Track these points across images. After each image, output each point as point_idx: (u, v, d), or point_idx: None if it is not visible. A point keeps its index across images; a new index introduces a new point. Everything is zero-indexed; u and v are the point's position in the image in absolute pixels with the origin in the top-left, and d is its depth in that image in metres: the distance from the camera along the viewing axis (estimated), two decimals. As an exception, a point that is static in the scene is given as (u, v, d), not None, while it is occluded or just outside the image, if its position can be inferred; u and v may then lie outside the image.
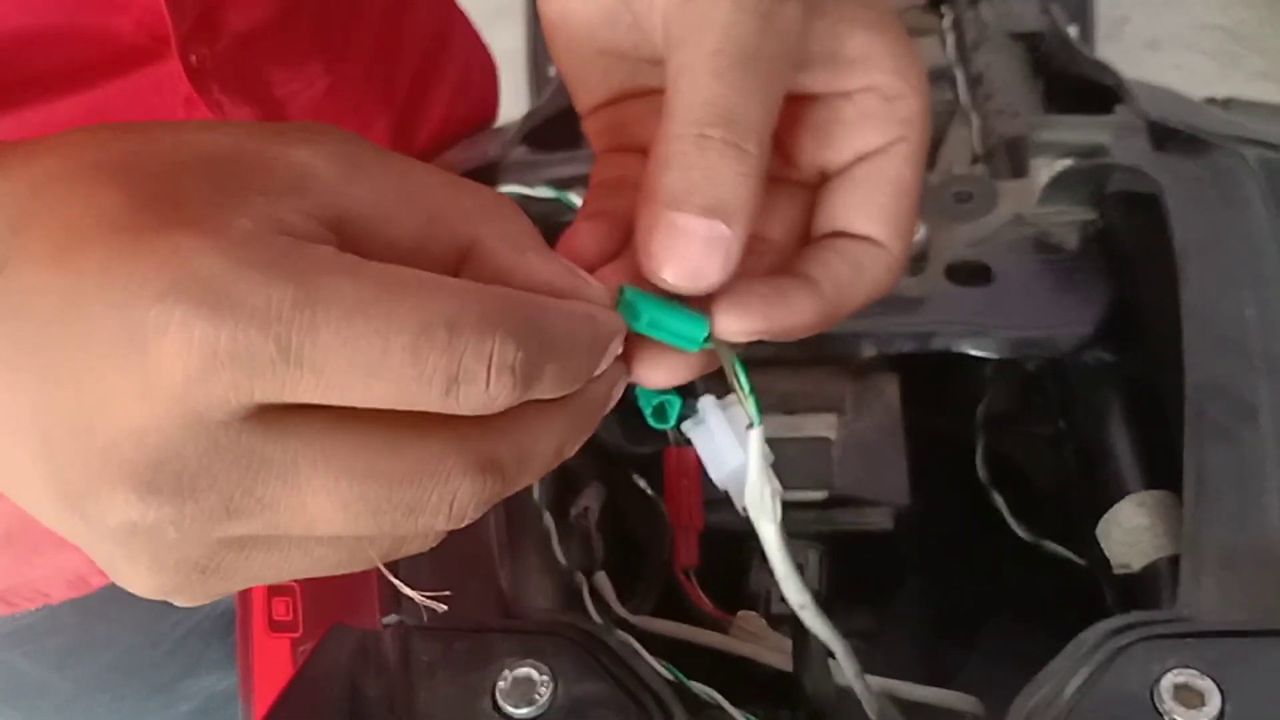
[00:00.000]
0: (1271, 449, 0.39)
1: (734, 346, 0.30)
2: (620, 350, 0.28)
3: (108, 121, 0.25)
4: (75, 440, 0.22)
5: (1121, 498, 0.45)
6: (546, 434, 0.26)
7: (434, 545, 0.26)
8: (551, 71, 0.72)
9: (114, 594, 0.25)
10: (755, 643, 0.43)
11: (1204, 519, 0.37)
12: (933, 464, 0.50)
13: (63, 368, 0.22)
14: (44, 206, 0.23)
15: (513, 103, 0.71)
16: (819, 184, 0.33)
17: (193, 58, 0.45)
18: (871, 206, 0.32)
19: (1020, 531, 0.50)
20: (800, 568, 0.45)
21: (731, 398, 0.32)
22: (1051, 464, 0.53)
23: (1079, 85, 0.63)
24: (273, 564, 0.24)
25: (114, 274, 0.21)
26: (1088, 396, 0.50)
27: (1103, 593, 0.45)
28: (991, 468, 0.51)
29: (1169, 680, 0.33)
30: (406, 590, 0.30)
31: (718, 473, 0.33)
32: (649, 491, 0.48)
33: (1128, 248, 0.50)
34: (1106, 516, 0.44)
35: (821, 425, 0.49)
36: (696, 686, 0.40)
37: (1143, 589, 0.42)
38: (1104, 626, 0.35)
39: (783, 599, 0.44)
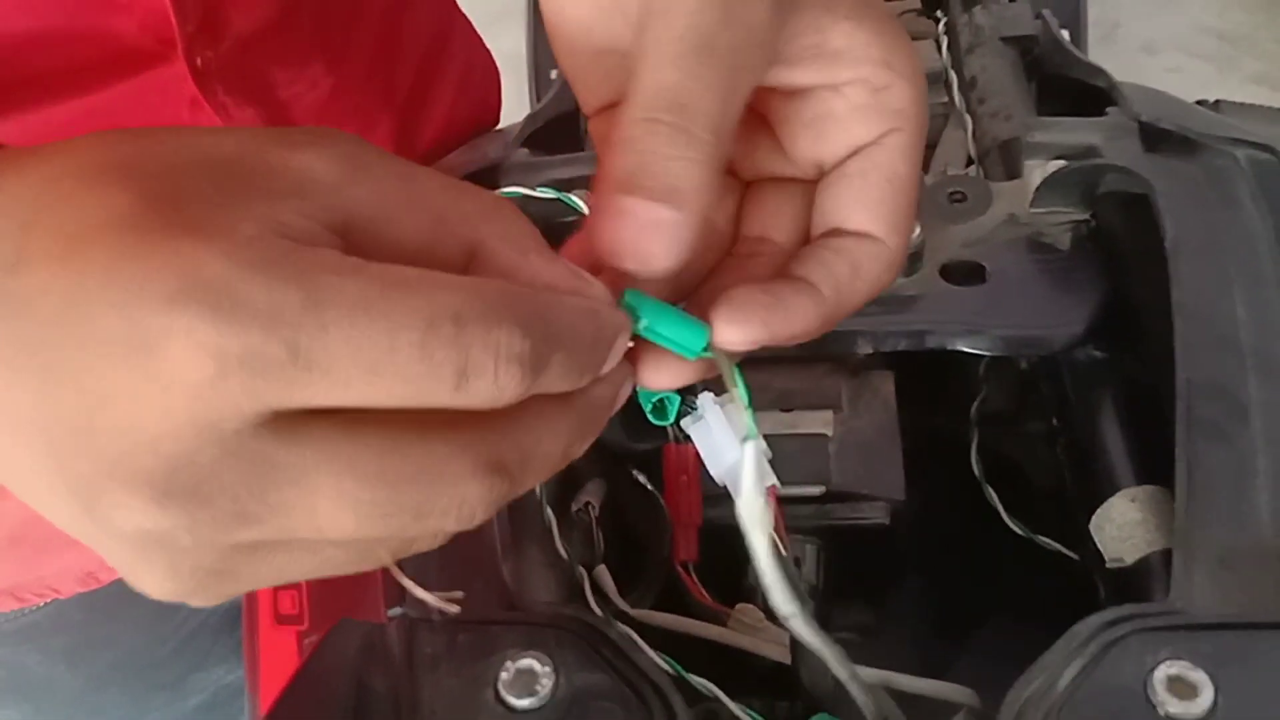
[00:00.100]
0: (1261, 445, 0.40)
1: (733, 356, 0.30)
2: (627, 348, 0.28)
3: (116, 127, 0.25)
4: (85, 446, 0.22)
5: (1114, 493, 0.45)
6: (553, 435, 0.26)
7: (442, 544, 0.26)
8: (554, 74, 0.72)
9: (121, 591, 0.25)
10: (753, 635, 0.44)
11: (1195, 513, 0.38)
12: (928, 461, 0.50)
13: (68, 370, 0.22)
14: (52, 206, 0.23)
15: (514, 105, 0.72)
16: (818, 180, 0.33)
17: (198, 60, 0.45)
18: (866, 201, 0.32)
19: (1015, 527, 0.50)
20: (798, 562, 0.46)
21: (730, 394, 0.33)
22: (1045, 460, 0.54)
23: (1072, 88, 0.63)
24: (284, 566, 0.25)
25: (119, 276, 0.21)
26: (1081, 394, 0.51)
27: (1096, 587, 0.46)
28: (986, 464, 0.52)
29: (1162, 672, 0.33)
30: (420, 592, 0.31)
31: (716, 468, 0.33)
32: (649, 487, 0.48)
33: (1120, 247, 0.51)
34: (1099, 511, 0.45)
35: (818, 422, 0.49)
36: (695, 679, 0.40)
37: (1135, 583, 0.43)
38: (1097, 619, 0.35)
39: (781, 594, 0.45)
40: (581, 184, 0.54)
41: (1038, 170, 0.53)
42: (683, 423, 0.33)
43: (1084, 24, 1.08)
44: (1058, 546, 0.49)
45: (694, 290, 0.32)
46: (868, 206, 0.32)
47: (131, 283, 0.21)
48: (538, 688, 0.35)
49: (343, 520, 0.23)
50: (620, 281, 0.29)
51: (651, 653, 0.39)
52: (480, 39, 0.71)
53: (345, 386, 0.22)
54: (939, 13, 0.73)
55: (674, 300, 0.31)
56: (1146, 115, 0.52)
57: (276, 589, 0.43)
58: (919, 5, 0.79)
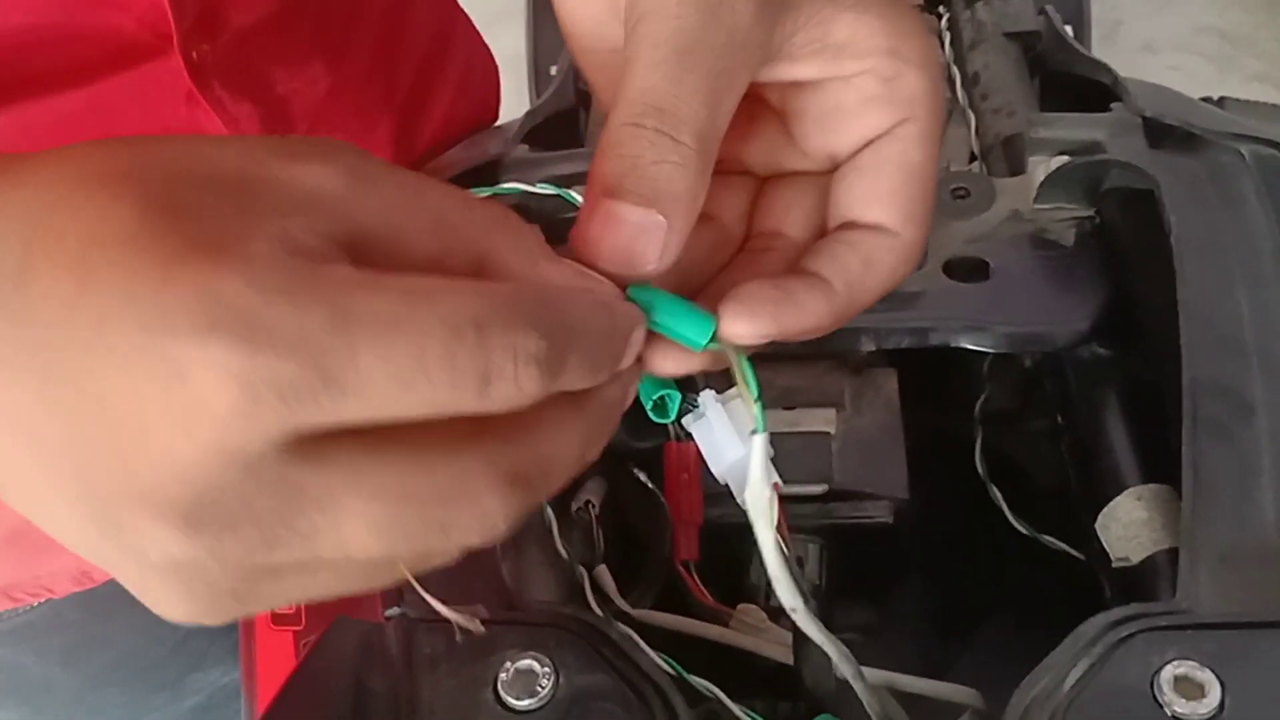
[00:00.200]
0: (1267, 444, 0.39)
1: (742, 350, 0.30)
2: (642, 342, 0.28)
3: (112, 120, 0.25)
4: (111, 472, 0.22)
5: (1119, 492, 0.45)
6: (569, 440, 0.26)
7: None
8: (553, 71, 0.72)
9: (117, 591, 0.25)
10: (755, 635, 0.44)
11: (1201, 512, 0.38)
12: (932, 460, 0.50)
13: (91, 395, 0.22)
14: (55, 217, 0.22)
15: (514, 105, 0.72)
16: (832, 174, 0.33)
17: (194, 54, 0.45)
18: (879, 192, 0.31)
19: (1019, 526, 0.50)
20: (800, 561, 0.45)
21: (732, 392, 0.32)
22: (1049, 459, 0.53)
23: (1075, 84, 0.63)
24: (306, 586, 0.25)
25: (139, 301, 0.21)
26: (1085, 391, 0.51)
27: (1101, 587, 0.46)
28: (990, 463, 0.51)
29: (1169, 672, 0.33)
30: (442, 608, 0.31)
31: (718, 466, 0.33)
32: (650, 485, 0.48)
33: (1124, 244, 0.50)
34: (1105, 511, 0.45)
35: (821, 420, 0.49)
36: (695, 680, 0.40)
37: (1141, 582, 0.42)
38: (1103, 619, 0.35)
39: (783, 593, 0.45)
40: (581, 180, 0.54)
41: (1041, 166, 0.53)
42: (684, 420, 0.33)
43: (1087, 20, 1.08)
44: (1062, 546, 0.49)
45: (704, 286, 0.32)
46: (881, 199, 0.31)
47: (154, 309, 0.21)
48: (537, 688, 0.35)
49: (369, 541, 0.23)
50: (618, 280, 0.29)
51: (652, 653, 0.39)
52: (480, 38, 0.71)
53: (374, 403, 0.22)
54: (941, 8, 0.73)
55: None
56: (1151, 111, 0.52)
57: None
58: (921, 1, 0.79)
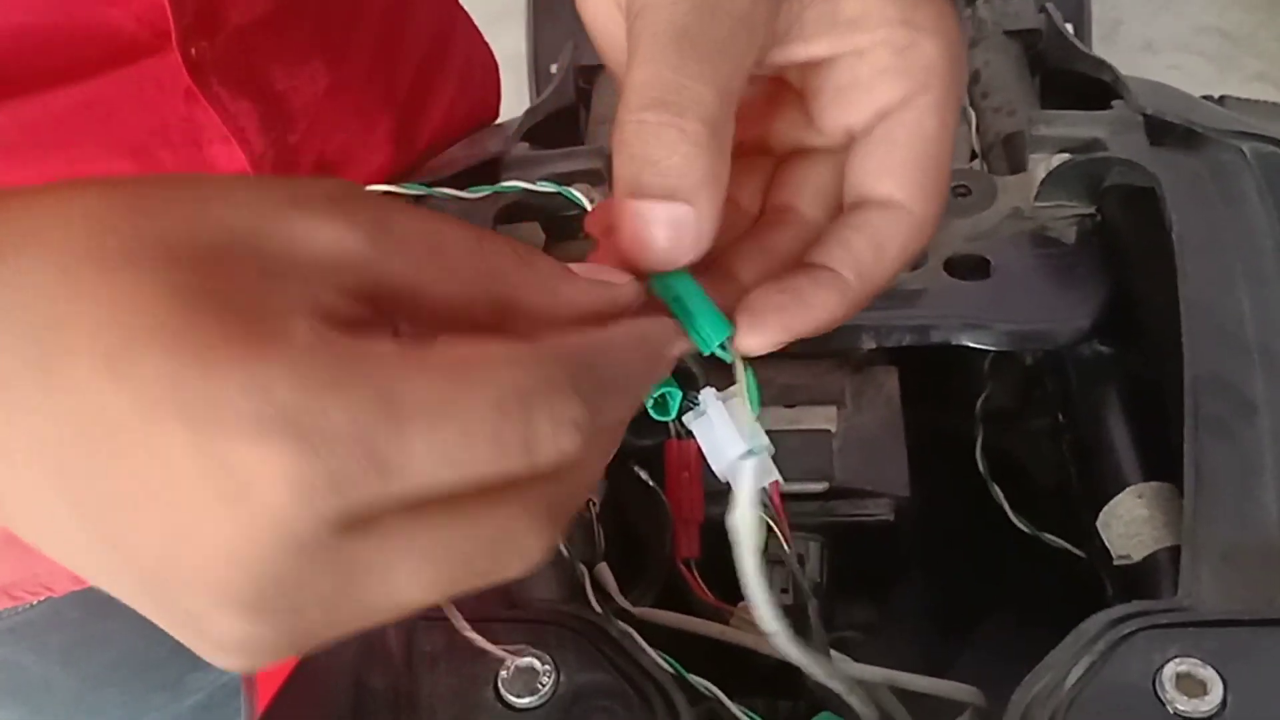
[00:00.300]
0: (1269, 441, 0.39)
1: (749, 363, 0.30)
2: (679, 352, 0.29)
3: (110, 117, 0.24)
4: (164, 562, 0.22)
5: (1121, 490, 0.45)
6: (595, 464, 0.27)
7: None
8: (553, 69, 0.72)
9: (116, 590, 0.25)
10: (756, 633, 0.43)
11: (1203, 510, 0.38)
12: (933, 458, 0.50)
13: (137, 494, 0.21)
14: (78, 303, 0.22)
15: (515, 104, 0.71)
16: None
17: (193, 51, 0.45)
18: (891, 167, 0.31)
19: (1020, 524, 0.50)
20: (801, 559, 0.45)
21: (733, 389, 0.32)
22: (1050, 457, 0.53)
23: (1076, 82, 0.63)
24: (356, 629, 0.25)
25: (187, 403, 0.21)
26: (1086, 389, 0.51)
27: (1103, 586, 0.46)
28: (991, 461, 0.51)
29: (1171, 669, 0.33)
30: (481, 641, 0.33)
31: (718, 464, 0.33)
32: (650, 483, 0.48)
33: (1125, 241, 0.50)
34: (1106, 509, 0.45)
35: (821, 418, 0.49)
36: (695, 679, 0.40)
37: (1143, 580, 0.42)
38: (1105, 616, 0.35)
39: (784, 590, 0.45)
40: (581, 178, 0.54)
41: (1042, 164, 0.53)
42: (685, 418, 0.33)
43: (1088, 18, 1.08)
44: (1063, 544, 0.49)
45: (712, 263, 0.32)
46: (893, 172, 0.31)
47: (201, 410, 0.21)
48: (538, 686, 0.35)
49: (420, 596, 0.24)
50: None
51: (652, 652, 0.39)
52: (480, 36, 0.71)
53: (424, 483, 0.22)
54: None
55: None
56: (1152, 109, 0.52)
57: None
58: None
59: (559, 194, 0.50)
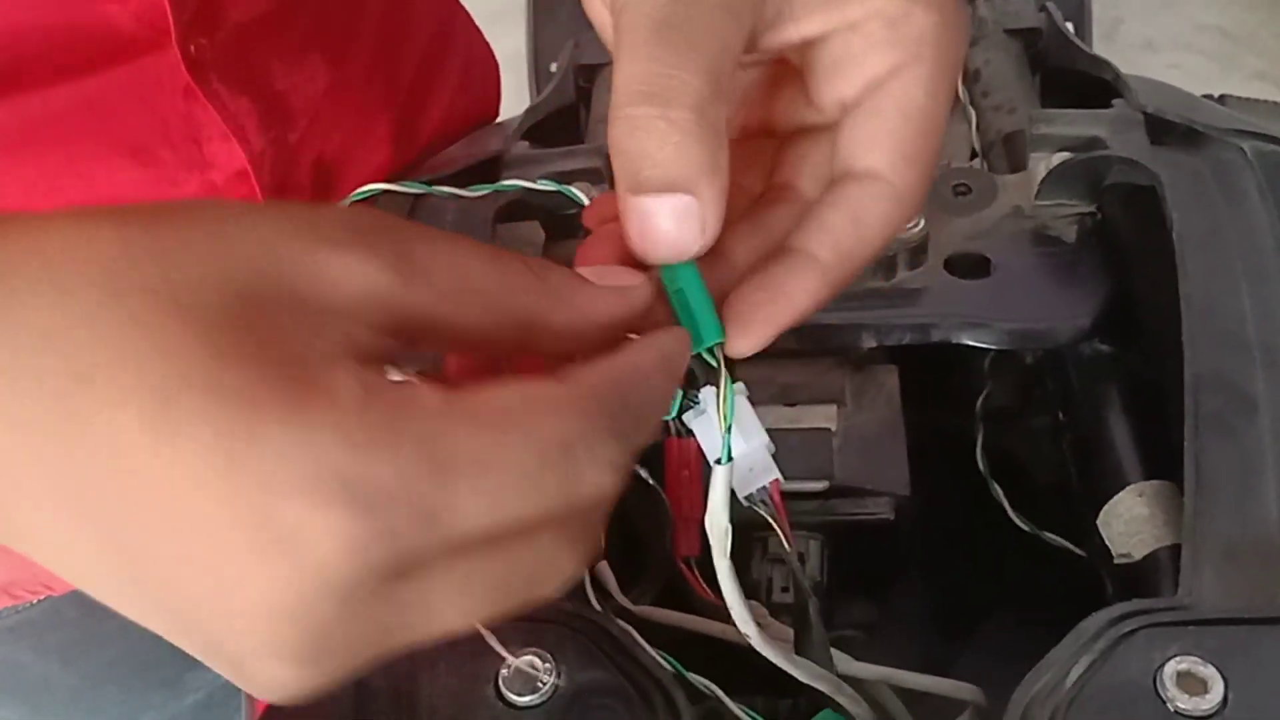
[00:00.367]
0: (1269, 439, 0.39)
1: (734, 368, 0.31)
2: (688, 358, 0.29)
3: (109, 114, 0.24)
4: (212, 615, 0.22)
5: (1121, 489, 0.45)
6: (618, 483, 0.27)
7: None
8: (553, 68, 0.72)
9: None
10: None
11: (1204, 508, 0.38)
12: (933, 457, 0.50)
13: (184, 548, 0.21)
14: (105, 350, 0.21)
15: (515, 104, 0.71)
16: None
17: (192, 48, 0.45)
18: (874, 136, 0.31)
19: (1020, 523, 0.50)
20: (801, 558, 0.45)
21: (735, 388, 0.32)
22: (1050, 456, 0.53)
23: (1076, 80, 0.63)
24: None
25: (236, 465, 0.21)
26: (1086, 388, 0.51)
27: (1103, 585, 0.46)
28: (991, 460, 0.51)
29: (1171, 668, 0.33)
30: (517, 662, 0.33)
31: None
32: (650, 482, 0.48)
33: (1126, 240, 0.50)
34: (1107, 507, 0.45)
35: (822, 417, 0.49)
36: (695, 678, 0.40)
37: (1144, 578, 0.42)
38: (1105, 615, 0.35)
39: (784, 588, 0.45)
40: (581, 176, 0.54)
41: (1043, 163, 0.53)
42: (684, 417, 0.33)
43: (1088, 17, 1.08)
44: (1064, 542, 0.49)
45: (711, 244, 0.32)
46: (876, 144, 0.31)
47: (253, 475, 0.21)
48: (539, 685, 0.35)
49: (459, 623, 0.24)
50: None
51: (652, 651, 0.39)
52: (481, 35, 0.71)
53: (470, 531, 0.23)
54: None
55: None
56: (1152, 107, 0.52)
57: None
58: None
59: (559, 192, 0.50)
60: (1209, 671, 0.33)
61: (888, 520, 0.47)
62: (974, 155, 0.61)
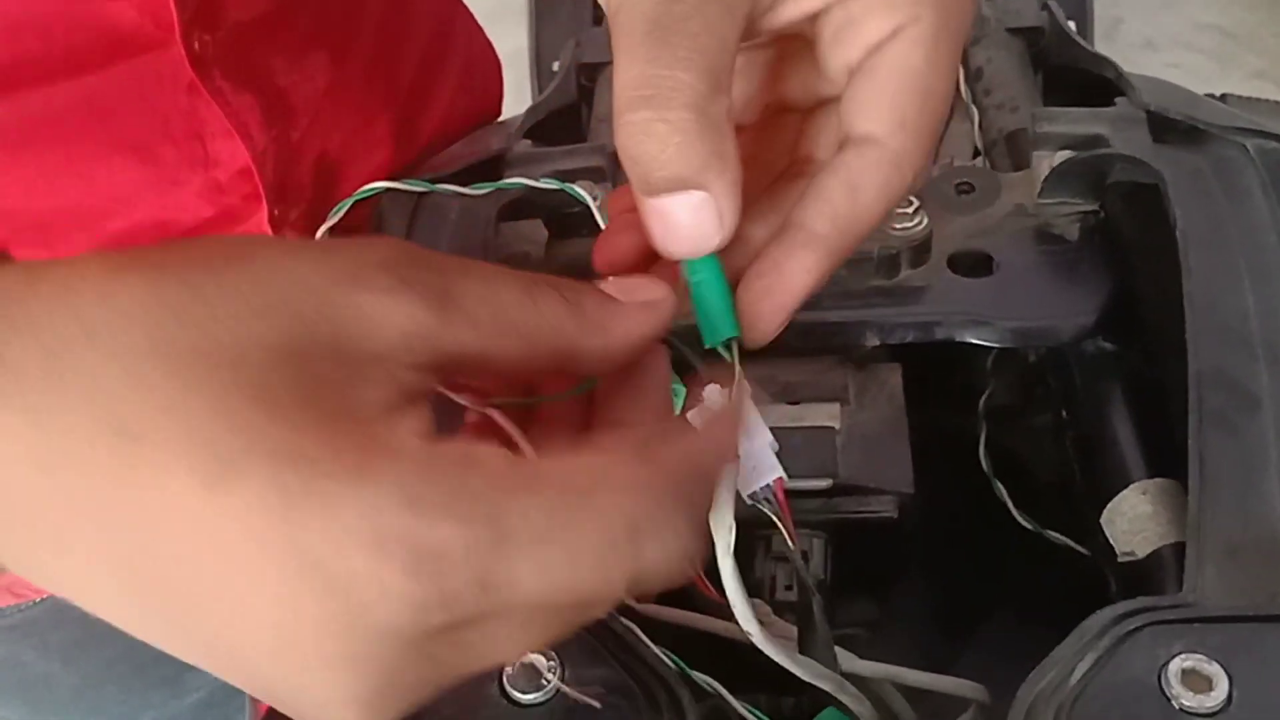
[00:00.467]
0: (1273, 437, 0.39)
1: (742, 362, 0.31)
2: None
3: (112, 110, 0.24)
4: (268, 669, 0.23)
5: (1124, 486, 0.45)
6: None
7: None
8: (555, 66, 0.72)
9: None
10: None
11: (1208, 506, 0.38)
12: (936, 456, 0.50)
13: (242, 606, 0.22)
14: (151, 405, 0.21)
15: (517, 102, 0.71)
16: None
17: (195, 44, 0.45)
18: (872, 99, 0.30)
19: (1023, 521, 0.50)
20: (805, 556, 0.45)
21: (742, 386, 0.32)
22: (1053, 454, 0.53)
23: (1078, 79, 0.63)
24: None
25: (299, 527, 0.21)
26: (1089, 386, 0.51)
27: (1107, 583, 0.46)
28: (994, 458, 0.51)
29: (1176, 665, 0.33)
30: (568, 689, 0.34)
31: (720, 461, 0.33)
32: (653, 481, 0.47)
33: (1129, 238, 0.50)
34: (1110, 505, 0.45)
35: (825, 415, 0.49)
36: (697, 676, 0.40)
37: (1147, 576, 0.42)
38: (1110, 613, 0.35)
39: (788, 586, 0.45)
40: (584, 175, 0.54)
41: (1045, 161, 0.53)
42: (688, 415, 0.33)
43: (1090, 16, 1.08)
44: (1067, 541, 0.49)
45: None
46: (876, 104, 0.30)
47: (316, 538, 0.21)
48: (543, 682, 0.35)
49: (516, 654, 0.26)
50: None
51: (655, 648, 0.39)
52: (482, 33, 0.71)
53: (526, 599, 0.23)
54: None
55: None
56: (1155, 105, 0.52)
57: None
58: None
59: (561, 191, 0.50)
60: (1214, 669, 0.33)
61: (891, 518, 0.46)
62: (976, 153, 0.61)
